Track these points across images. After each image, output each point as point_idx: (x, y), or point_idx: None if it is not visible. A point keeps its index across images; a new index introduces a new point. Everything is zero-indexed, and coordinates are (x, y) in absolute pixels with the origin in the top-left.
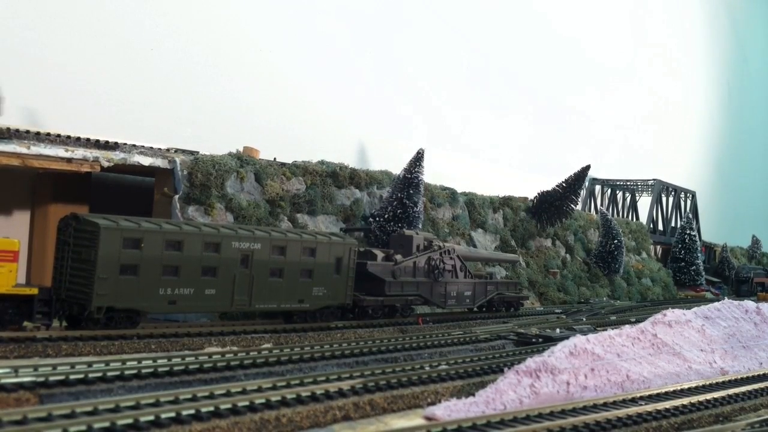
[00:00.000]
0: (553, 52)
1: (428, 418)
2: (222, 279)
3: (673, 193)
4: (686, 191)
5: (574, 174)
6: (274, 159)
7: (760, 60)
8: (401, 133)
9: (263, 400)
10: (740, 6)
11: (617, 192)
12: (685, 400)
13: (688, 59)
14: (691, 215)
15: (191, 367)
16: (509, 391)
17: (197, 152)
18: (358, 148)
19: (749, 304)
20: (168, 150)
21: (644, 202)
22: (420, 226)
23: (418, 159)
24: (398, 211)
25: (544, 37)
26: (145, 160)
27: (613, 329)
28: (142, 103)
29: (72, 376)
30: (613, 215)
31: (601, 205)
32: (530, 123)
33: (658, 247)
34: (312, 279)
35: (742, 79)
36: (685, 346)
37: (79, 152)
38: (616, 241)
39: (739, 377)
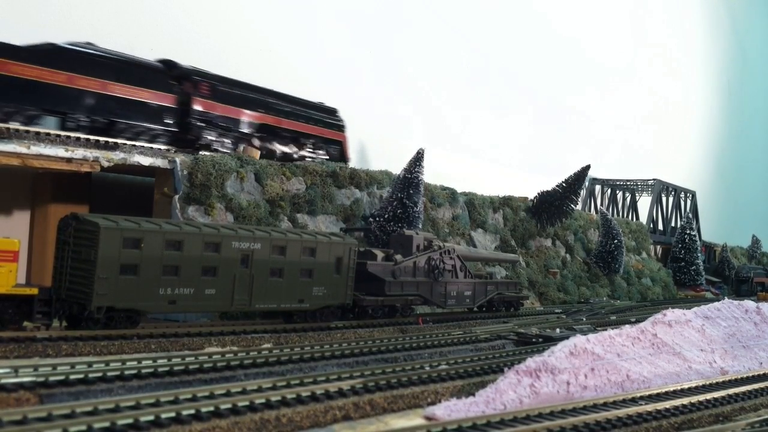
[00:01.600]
0: (553, 52)
1: (428, 418)
2: (222, 279)
3: (673, 192)
4: (686, 191)
5: (574, 174)
6: (274, 159)
7: (760, 60)
8: (401, 133)
9: (263, 400)
10: (740, 6)
11: (617, 192)
12: (685, 400)
13: (688, 59)
14: (691, 215)
15: (191, 367)
16: (509, 391)
17: (197, 152)
18: (358, 148)
19: (749, 303)
20: (168, 150)
21: (644, 202)
22: (420, 226)
23: (418, 159)
24: (398, 211)
25: (544, 37)
26: (145, 160)
27: (613, 329)
28: None
29: (72, 376)
30: (613, 215)
31: (601, 205)
32: (530, 123)
33: (658, 246)
34: (312, 279)
35: (742, 78)
36: (685, 346)
37: (79, 152)
38: (616, 240)
39: (739, 377)
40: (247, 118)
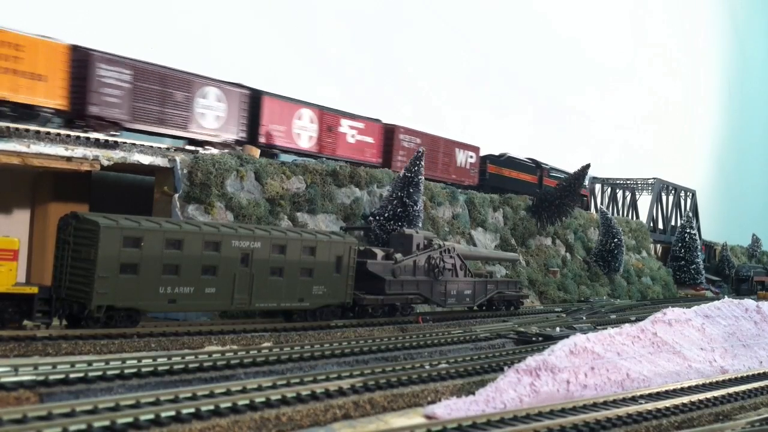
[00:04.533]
0: (553, 52)
1: (428, 417)
2: (222, 278)
3: (673, 191)
4: (686, 190)
5: (574, 173)
6: (274, 158)
7: (761, 59)
8: None
9: (263, 399)
10: (741, 5)
11: (617, 191)
12: (685, 399)
13: (688, 59)
14: (691, 214)
15: (191, 365)
16: (509, 390)
17: (197, 151)
18: None
19: (749, 302)
20: (168, 149)
21: (644, 201)
22: (420, 224)
23: (418, 158)
24: (398, 209)
25: (544, 37)
26: (145, 159)
27: (613, 328)
28: None
29: (72, 375)
30: (613, 214)
31: (601, 203)
32: (530, 123)
33: (658, 245)
34: (312, 278)
35: (742, 77)
36: (685, 345)
37: (79, 151)
38: (616, 239)
39: (739, 376)
40: (515, 176)
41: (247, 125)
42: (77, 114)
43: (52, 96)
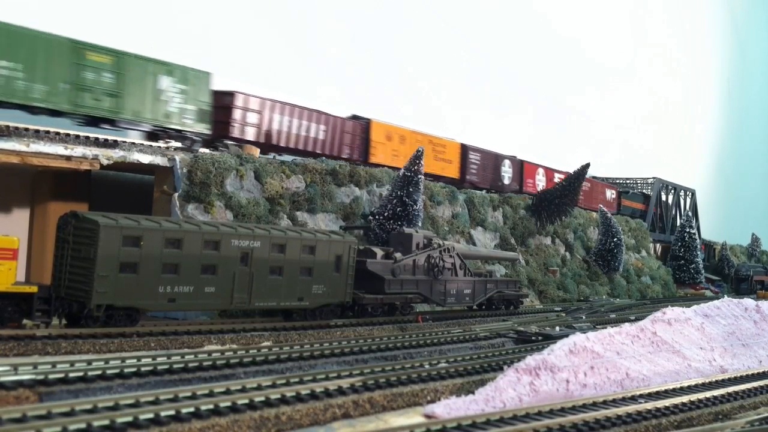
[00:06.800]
0: (553, 52)
1: (428, 416)
2: (222, 277)
3: (672, 191)
4: (686, 189)
5: (574, 172)
6: (274, 157)
7: (760, 59)
8: None
9: (263, 398)
10: (741, 5)
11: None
12: (685, 398)
13: (688, 59)
14: (690, 213)
15: (191, 365)
16: (509, 389)
17: (197, 150)
18: None
19: (749, 302)
20: (167, 148)
21: None
22: (420, 224)
23: (417, 157)
24: (398, 209)
25: (544, 37)
26: (145, 158)
27: (612, 327)
28: None
29: (71, 374)
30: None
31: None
32: (530, 123)
33: (658, 245)
34: (312, 277)
35: (742, 77)
36: (684, 344)
37: (79, 150)
38: (615, 239)
39: (738, 375)
40: (633, 206)
41: (519, 180)
42: (461, 182)
43: (453, 173)
